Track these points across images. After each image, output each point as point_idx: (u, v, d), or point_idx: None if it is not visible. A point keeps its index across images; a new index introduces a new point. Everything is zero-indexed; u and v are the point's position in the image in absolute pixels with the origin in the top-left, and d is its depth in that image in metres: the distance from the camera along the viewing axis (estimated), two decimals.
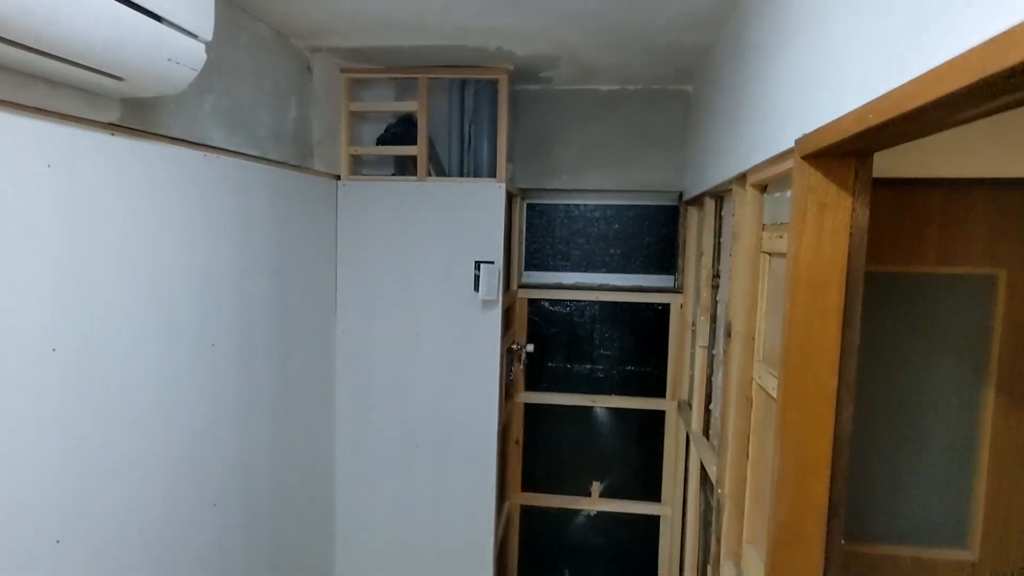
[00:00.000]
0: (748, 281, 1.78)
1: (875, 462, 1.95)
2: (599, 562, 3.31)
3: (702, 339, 2.66)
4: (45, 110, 1.21)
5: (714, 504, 2.05)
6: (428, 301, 2.69)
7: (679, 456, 3.10)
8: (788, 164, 1.36)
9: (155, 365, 1.57)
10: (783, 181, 1.54)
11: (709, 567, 2.09)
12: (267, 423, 2.16)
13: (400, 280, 2.69)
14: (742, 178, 1.84)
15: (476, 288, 2.62)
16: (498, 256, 2.63)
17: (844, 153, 1.16)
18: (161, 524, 1.62)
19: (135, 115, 1.46)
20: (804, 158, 1.20)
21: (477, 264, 2.62)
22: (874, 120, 0.85)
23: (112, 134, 1.39)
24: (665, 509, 3.22)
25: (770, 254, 1.70)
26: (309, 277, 2.45)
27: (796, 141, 1.23)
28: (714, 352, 2.43)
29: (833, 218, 1.21)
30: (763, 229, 1.76)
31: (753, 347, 1.77)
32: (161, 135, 1.56)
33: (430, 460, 2.75)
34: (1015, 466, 1.86)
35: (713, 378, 2.43)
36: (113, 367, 1.42)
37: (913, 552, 1.95)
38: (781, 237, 1.53)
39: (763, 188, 1.75)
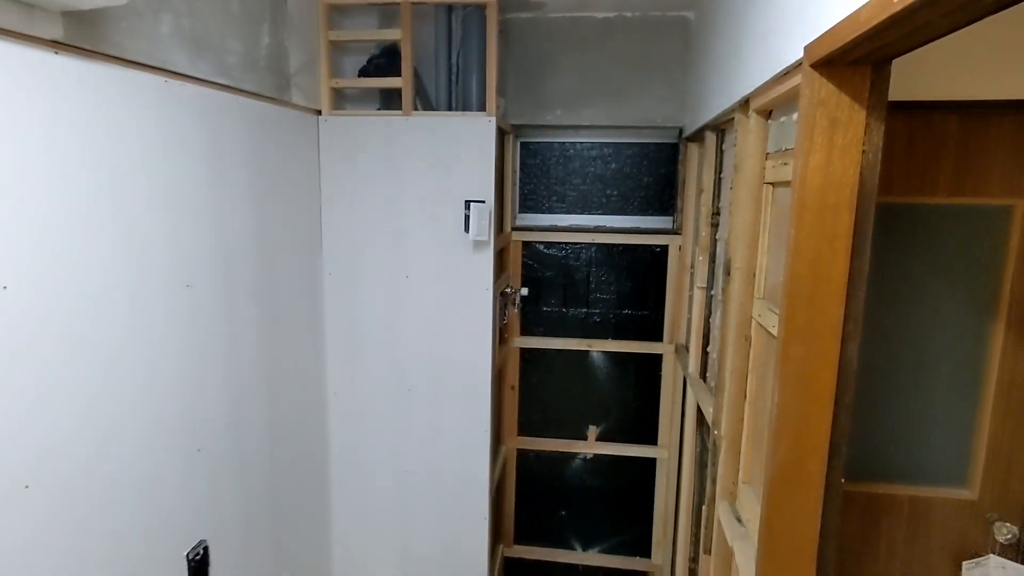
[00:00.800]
0: (749, 214, 1.68)
1: (873, 398, 1.89)
2: (595, 504, 3.32)
3: (700, 280, 2.58)
4: None
5: (710, 445, 2.01)
6: (418, 242, 2.59)
7: (676, 400, 3.07)
8: (795, 81, 1.24)
9: (123, 305, 1.48)
10: (789, 103, 1.43)
11: (704, 507, 2.06)
12: (254, 367, 2.09)
13: (388, 220, 2.59)
14: (745, 105, 1.73)
15: (467, 229, 2.52)
16: (489, 195, 2.52)
17: (859, 60, 1.05)
18: (141, 470, 1.57)
19: (82, 32, 1.33)
20: (814, 66, 1.08)
21: (467, 203, 2.51)
22: (899, 4, 0.74)
23: (56, 52, 1.27)
24: (661, 452, 3.21)
25: (773, 184, 1.60)
26: (292, 217, 2.35)
27: (805, 48, 1.12)
28: (712, 293, 2.35)
29: (845, 135, 1.10)
30: (766, 158, 1.65)
31: (753, 284, 1.69)
32: (115, 57, 1.43)
33: (424, 405, 2.71)
34: (1022, 403, 1.80)
35: (711, 319, 2.36)
36: (75, 307, 1.34)
37: (911, 491, 1.92)
38: (786, 164, 1.43)
39: (767, 114, 1.64)
